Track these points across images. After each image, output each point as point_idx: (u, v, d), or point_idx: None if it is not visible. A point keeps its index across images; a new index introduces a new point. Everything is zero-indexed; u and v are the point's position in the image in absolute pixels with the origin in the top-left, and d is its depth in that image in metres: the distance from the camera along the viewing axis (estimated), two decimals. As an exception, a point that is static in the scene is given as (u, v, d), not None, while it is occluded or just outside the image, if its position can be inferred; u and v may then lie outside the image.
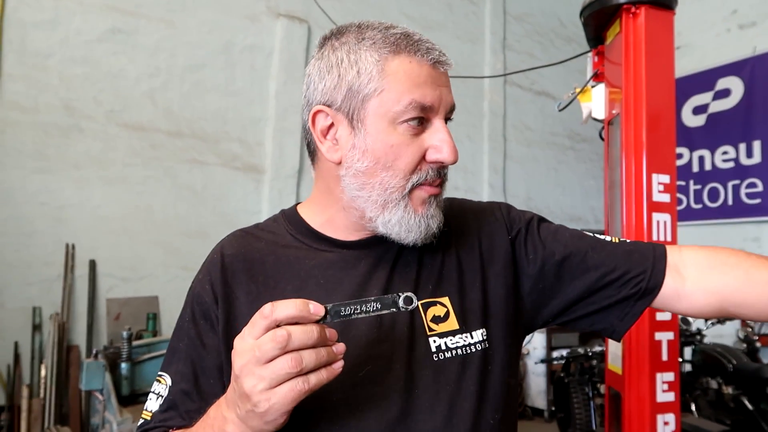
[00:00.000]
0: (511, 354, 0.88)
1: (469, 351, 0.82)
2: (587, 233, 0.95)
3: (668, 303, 0.89)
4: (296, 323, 0.63)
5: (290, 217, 0.94)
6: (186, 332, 0.88)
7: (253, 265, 0.88)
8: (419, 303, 0.84)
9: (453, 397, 0.80)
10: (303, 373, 0.62)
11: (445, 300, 0.85)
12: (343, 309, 0.65)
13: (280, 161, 4.98)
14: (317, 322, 0.64)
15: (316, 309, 0.63)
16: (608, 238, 0.94)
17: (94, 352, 2.95)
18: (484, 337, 0.84)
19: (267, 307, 0.63)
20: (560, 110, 2.67)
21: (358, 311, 0.65)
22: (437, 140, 0.80)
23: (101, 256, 4.23)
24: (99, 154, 4.25)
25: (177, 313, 3.39)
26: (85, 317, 4.12)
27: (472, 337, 0.83)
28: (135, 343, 2.98)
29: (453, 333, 0.83)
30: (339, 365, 0.65)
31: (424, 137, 0.81)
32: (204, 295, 0.87)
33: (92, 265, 4.18)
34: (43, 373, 3.83)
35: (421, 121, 0.80)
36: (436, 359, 0.81)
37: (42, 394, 3.77)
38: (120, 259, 4.30)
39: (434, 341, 0.82)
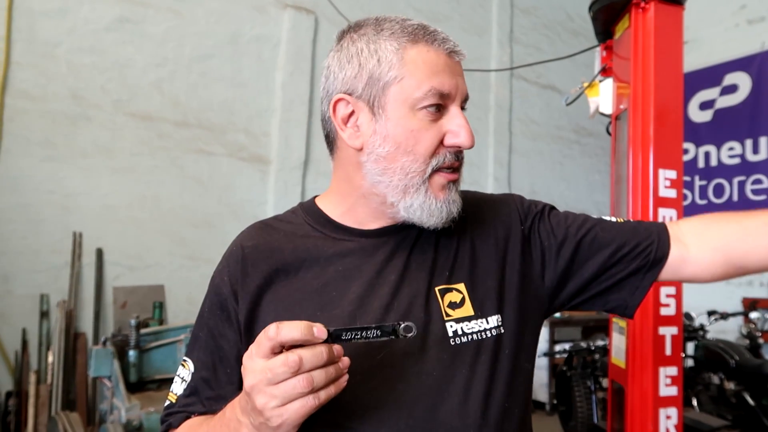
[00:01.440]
0: (528, 340, 0.91)
1: (484, 336, 0.85)
2: (592, 216, 0.99)
3: (677, 271, 0.93)
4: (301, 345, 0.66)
5: (308, 209, 0.96)
6: (205, 322, 0.91)
7: (273, 254, 0.90)
8: (437, 288, 0.87)
9: (468, 381, 0.83)
10: (314, 390, 0.65)
11: (461, 286, 0.88)
12: (344, 334, 0.67)
13: (286, 152, 4.99)
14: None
15: (320, 332, 0.65)
16: (613, 219, 0.99)
17: (102, 339, 2.97)
18: (499, 323, 0.87)
19: (272, 329, 0.65)
20: (568, 104, 2.67)
21: (359, 336, 0.68)
22: (455, 125, 0.84)
23: (108, 244, 4.26)
24: (106, 143, 4.27)
25: (183, 302, 3.45)
26: (91, 305, 4.16)
27: (487, 323, 0.86)
28: (143, 331, 3.00)
29: (468, 318, 0.86)
30: (344, 379, 0.68)
31: (442, 123, 0.84)
32: (222, 286, 0.90)
33: (99, 253, 4.21)
34: (50, 359, 3.88)
35: (439, 107, 0.83)
36: (452, 343, 0.84)
37: (49, 380, 3.82)
38: (127, 247, 4.33)
39: (451, 326, 0.85)
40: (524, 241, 0.94)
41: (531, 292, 0.92)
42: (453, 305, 0.86)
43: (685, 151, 5.86)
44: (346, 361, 0.68)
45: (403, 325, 0.69)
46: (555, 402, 4.79)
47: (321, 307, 0.85)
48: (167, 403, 0.91)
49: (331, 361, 0.66)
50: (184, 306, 4.43)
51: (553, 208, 1.00)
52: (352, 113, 0.86)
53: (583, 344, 4.34)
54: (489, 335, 0.85)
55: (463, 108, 0.87)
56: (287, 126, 5.00)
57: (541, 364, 5.34)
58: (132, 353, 2.87)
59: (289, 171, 5.01)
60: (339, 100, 0.86)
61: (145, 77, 4.45)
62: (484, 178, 6.36)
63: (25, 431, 3.65)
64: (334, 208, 0.93)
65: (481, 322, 0.86)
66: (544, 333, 5.39)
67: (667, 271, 0.93)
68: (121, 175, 4.33)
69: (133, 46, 4.41)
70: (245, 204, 4.83)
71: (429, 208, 0.84)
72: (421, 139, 0.83)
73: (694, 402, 3.85)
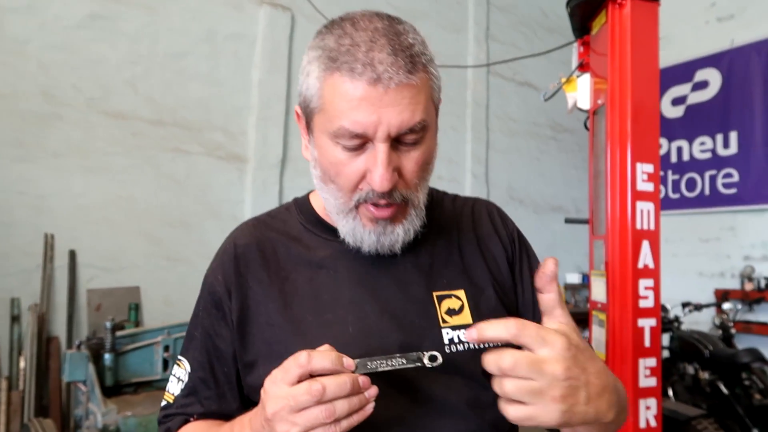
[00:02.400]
0: None
1: (481, 345, 0.82)
2: None
3: None
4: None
5: (301, 206, 0.95)
6: (200, 321, 0.90)
7: (266, 254, 0.89)
8: (435, 294, 0.85)
9: (461, 390, 0.81)
10: (336, 420, 0.65)
11: (461, 293, 0.86)
12: (369, 363, 0.68)
13: (264, 151, 4.94)
14: None
15: (348, 363, 0.66)
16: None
17: (76, 343, 2.90)
18: None
19: (303, 357, 0.64)
20: (546, 100, 2.69)
21: (384, 365, 0.68)
22: (371, 165, 0.76)
23: (81, 246, 4.16)
24: (79, 142, 4.18)
25: (159, 304, 3.40)
26: (65, 308, 4.06)
27: None
28: (118, 333, 2.94)
29: (466, 327, 0.83)
30: (370, 407, 0.67)
31: (364, 158, 0.77)
32: (216, 285, 0.89)
33: (72, 255, 4.11)
34: (22, 365, 3.78)
35: (361, 143, 0.76)
36: (448, 351, 0.82)
37: (21, 387, 3.72)
38: (101, 249, 4.24)
39: (447, 333, 0.83)
40: (509, 260, 0.94)
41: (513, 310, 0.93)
42: (451, 312, 0.85)
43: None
44: (372, 391, 0.67)
45: (428, 354, 0.69)
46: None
47: (314, 311, 0.83)
48: (164, 403, 0.91)
49: (354, 391, 0.65)
50: (161, 308, 4.36)
51: (529, 250, 1.00)
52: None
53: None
54: (486, 346, 0.82)
55: (399, 140, 0.76)
56: (264, 124, 4.95)
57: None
58: (107, 356, 2.81)
59: (267, 169, 4.96)
60: (297, 111, 0.85)
61: (119, 75, 4.36)
62: (462, 174, 6.39)
63: (-3, 439, 3.56)
64: (322, 206, 0.92)
65: None
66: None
67: None
68: (95, 175, 4.24)
69: (106, 44, 4.31)
70: (223, 203, 4.77)
71: (359, 234, 0.82)
72: (341, 173, 0.78)
73: (670, 392, 3.92)
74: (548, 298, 0.65)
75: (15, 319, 3.88)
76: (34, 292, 3.96)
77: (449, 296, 0.86)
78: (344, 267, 0.86)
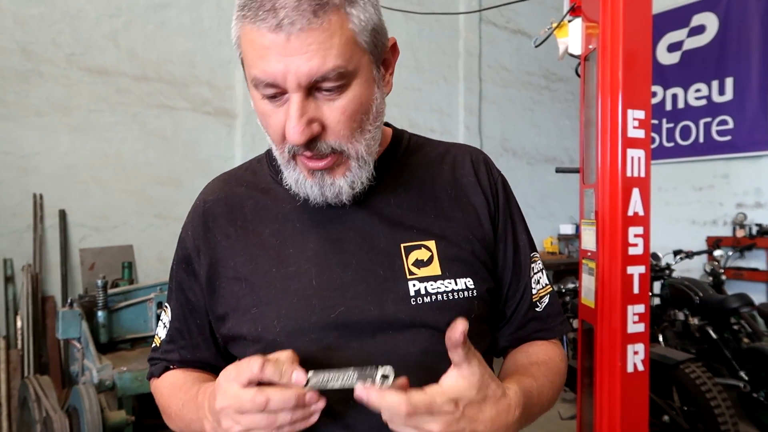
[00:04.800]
0: (493, 308, 0.89)
1: (450, 297, 0.81)
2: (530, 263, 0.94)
3: None
4: None
5: (272, 158, 0.93)
6: (175, 275, 0.93)
7: (233, 209, 0.89)
8: (402, 245, 0.83)
9: (428, 342, 0.79)
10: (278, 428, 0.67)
11: (431, 244, 0.83)
12: (323, 375, 0.68)
13: (252, 105, 4.85)
14: None
15: (298, 379, 0.66)
16: (541, 277, 0.95)
17: (69, 301, 2.91)
18: (471, 286, 0.82)
19: (256, 365, 0.65)
20: (537, 46, 2.62)
21: (335, 379, 0.68)
22: (286, 117, 0.73)
23: (71, 205, 4.13)
24: (62, 99, 4.09)
25: (153, 262, 3.39)
26: (58, 268, 4.06)
27: (456, 284, 0.81)
28: (110, 291, 2.95)
29: (434, 278, 0.81)
30: (314, 418, 0.68)
31: (285, 109, 0.73)
32: (186, 240, 0.91)
33: (62, 215, 4.09)
34: (19, 324, 3.80)
35: (279, 92, 0.72)
36: (413, 303, 0.80)
37: (19, 345, 3.76)
38: (91, 208, 4.21)
39: (413, 285, 0.80)
40: (491, 213, 0.90)
41: (491, 261, 0.90)
42: (419, 263, 0.82)
43: (653, 94, 5.87)
44: (319, 405, 0.67)
45: (380, 372, 0.67)
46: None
47: (279, 264, 0.82)
48: (153, 345, 0.96)
49: (299, 406, 0.66)
50: (155, 265, 4.37)
51: (520, 216, 0.95)
52: None
53: (554, 288, 4.42)
54: (457, 297, 0.81)
55: (318, 88, 0.72)
56: (252, 78, 4.84)
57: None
58: (100, 314, 2.83)
59: (255, 124, 4.83)
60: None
61: (99, 29, 4.23)
62: (454, 126, 6.31)
63: (-2, 396, 3.61)
64: None
65: (449, 283, 0.81)
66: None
67: None
68: (80, 133, 4.16)
69: (83, -4, 4.17)
70: (212, 159, 4.72)
71: (302, 185, 0.79)
72: (269, 124, 0.76)
73: (660, 338, 3.99)
74: (456, 355, 0.66)
75: (9, 279, 3.89)
76: (26, 252, 3.95)
77: (418, 247, 0.82)
78: (309, 219, 0.84)
